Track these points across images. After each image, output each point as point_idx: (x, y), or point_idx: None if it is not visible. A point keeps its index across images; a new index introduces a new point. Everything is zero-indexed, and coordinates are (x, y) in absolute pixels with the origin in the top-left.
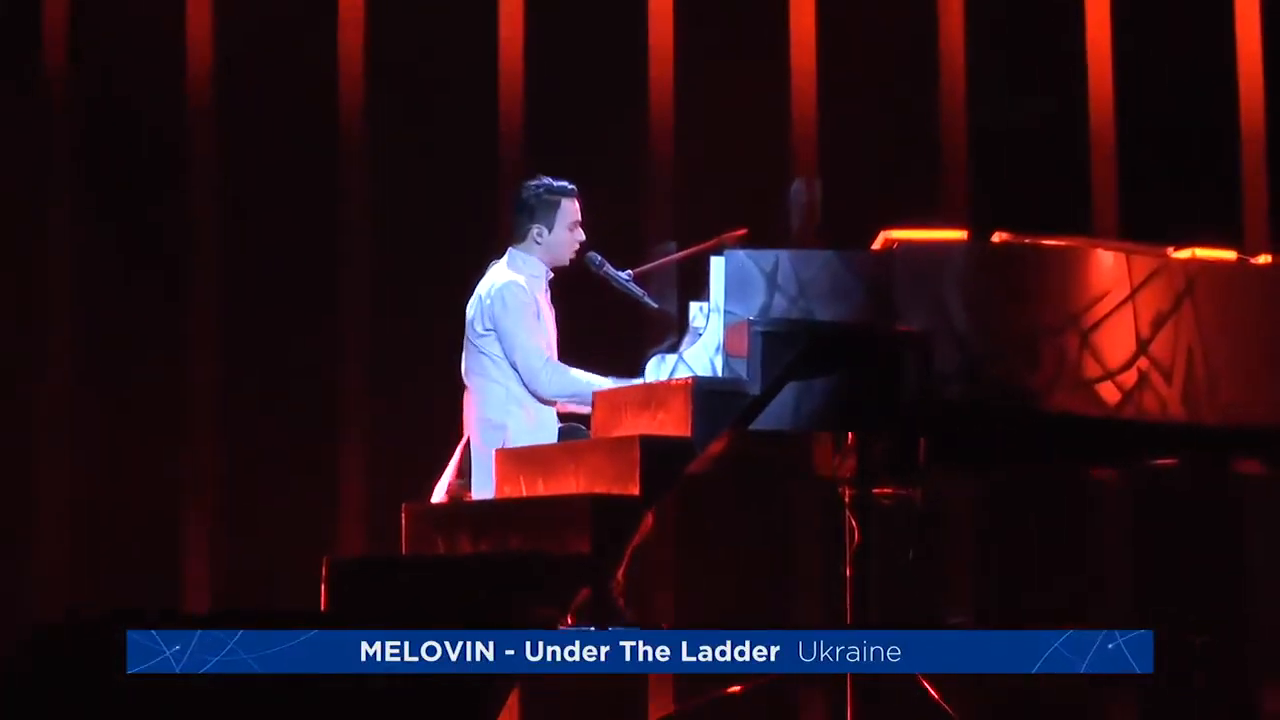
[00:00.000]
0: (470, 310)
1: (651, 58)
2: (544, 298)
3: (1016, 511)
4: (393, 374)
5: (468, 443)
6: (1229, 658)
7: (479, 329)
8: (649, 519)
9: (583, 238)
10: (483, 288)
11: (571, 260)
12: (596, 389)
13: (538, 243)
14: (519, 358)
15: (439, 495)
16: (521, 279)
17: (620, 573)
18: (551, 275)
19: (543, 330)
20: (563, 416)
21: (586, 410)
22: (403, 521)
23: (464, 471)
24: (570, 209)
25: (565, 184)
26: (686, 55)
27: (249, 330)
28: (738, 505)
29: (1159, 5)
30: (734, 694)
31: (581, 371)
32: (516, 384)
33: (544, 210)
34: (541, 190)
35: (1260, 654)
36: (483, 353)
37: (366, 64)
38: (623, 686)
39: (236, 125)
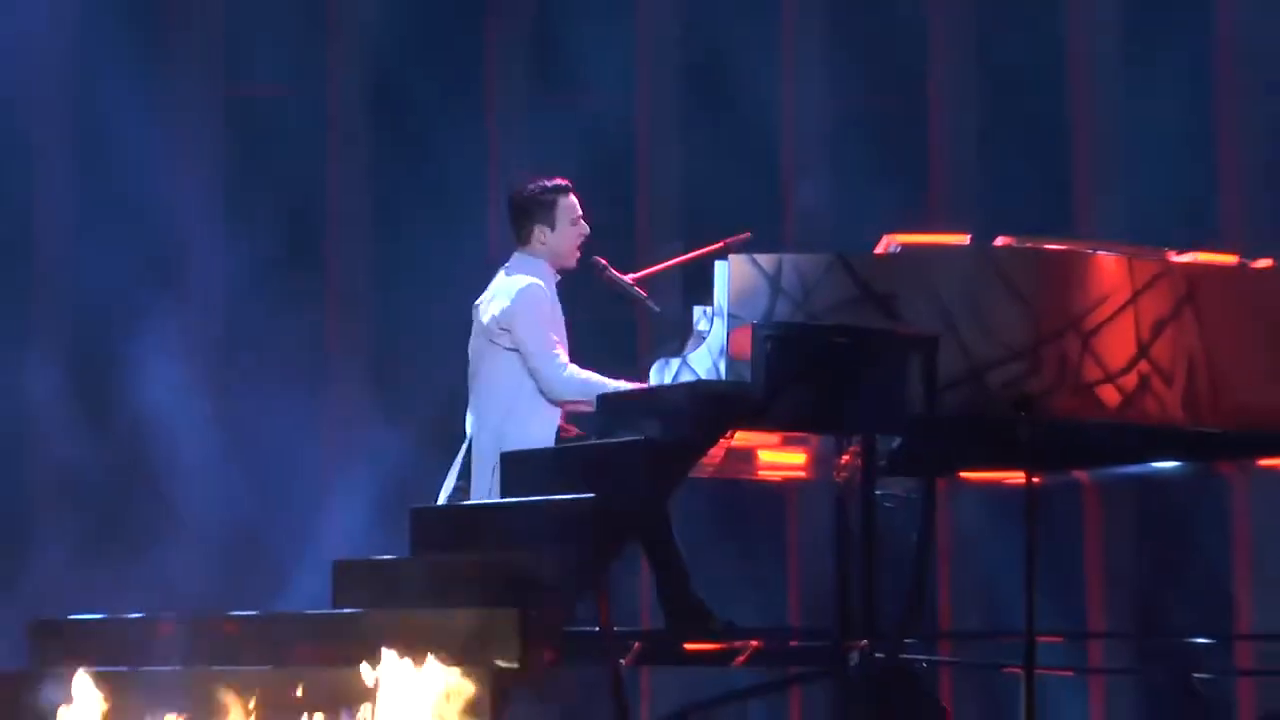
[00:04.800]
0: (484, 311)
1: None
2: (555, 303)
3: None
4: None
5: (469, 444)
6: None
7: (496, 334)
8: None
9: (586, 230)
10: (500, 288)
11: (578, 257)
12: (606, 390)
13: (542, 244)
14: (537, 360)
15: (443, 497)
16: (541, 282)
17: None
18: (558, 278)
19: (560, 333)
20: (569, 417)
21: (590, 409)
22: (409, 525)
23: (465, 473)
24: (568, 204)
25: (558, 182)
26: (686, 58)
27: None
28: (740, 505)
29: None
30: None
31: (592, 373)
32: (522, 387)
33: (543, 211)
34: (536, 191)
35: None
36: (497, 348)
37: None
38: None
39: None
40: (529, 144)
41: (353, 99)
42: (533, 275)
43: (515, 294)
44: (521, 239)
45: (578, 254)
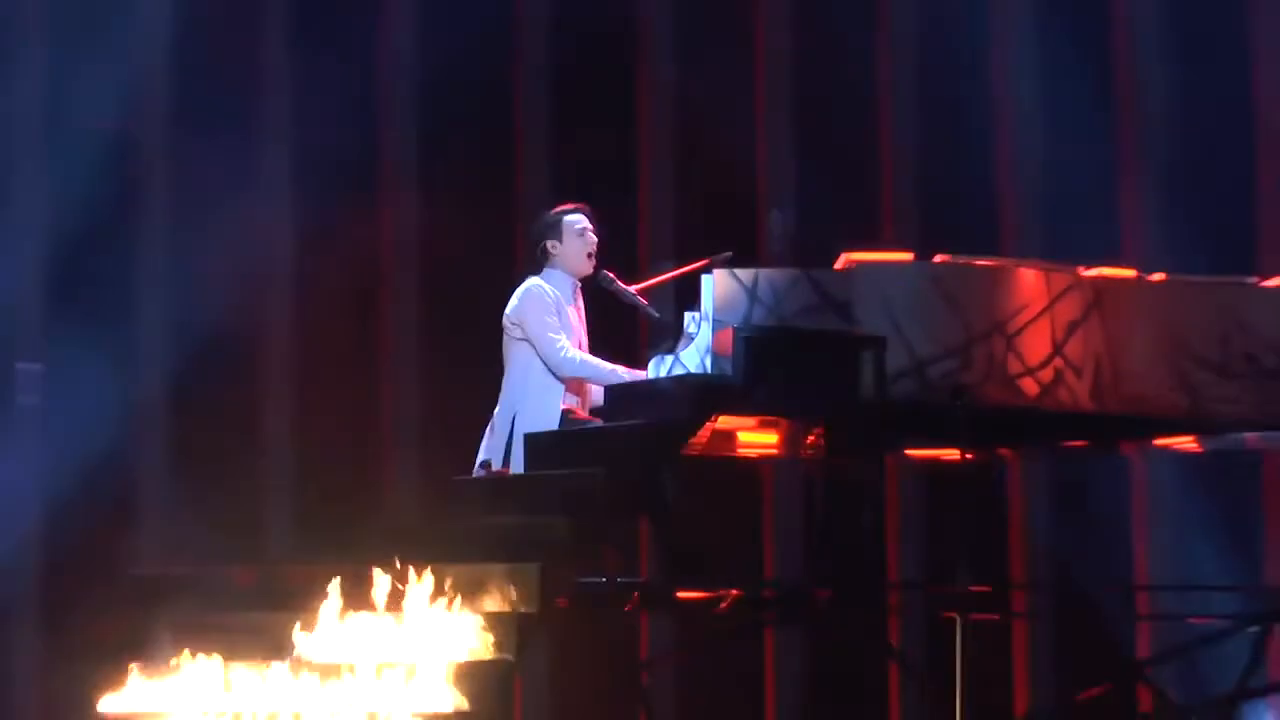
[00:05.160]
0: (506, 311)
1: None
2: (574, 307)
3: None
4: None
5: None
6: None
7: (510, 329)
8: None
9: (594, 240)
10: (516, 291)
11: (593, 266)
12: (605, 371)
13: (555, 254)
14: (539, 344)
15: (478, 469)
16: (545, 284)
17: None
18: (578, 285)
19: (564, 325)
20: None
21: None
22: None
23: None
24: (573, 220)
25: (566, 206)
26: (680, 114)
27: None
28: (723, 477)
29: None
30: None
31: (593, 357)
32: (532, 370)
33: (551, 229)
34: (546, 216)
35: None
36: (512, 340)
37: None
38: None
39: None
40: (549, 178)
41: (406, 140)
42: (540, 279)
43: (519, 294)
44: (540, 254)
45: (590, 261)
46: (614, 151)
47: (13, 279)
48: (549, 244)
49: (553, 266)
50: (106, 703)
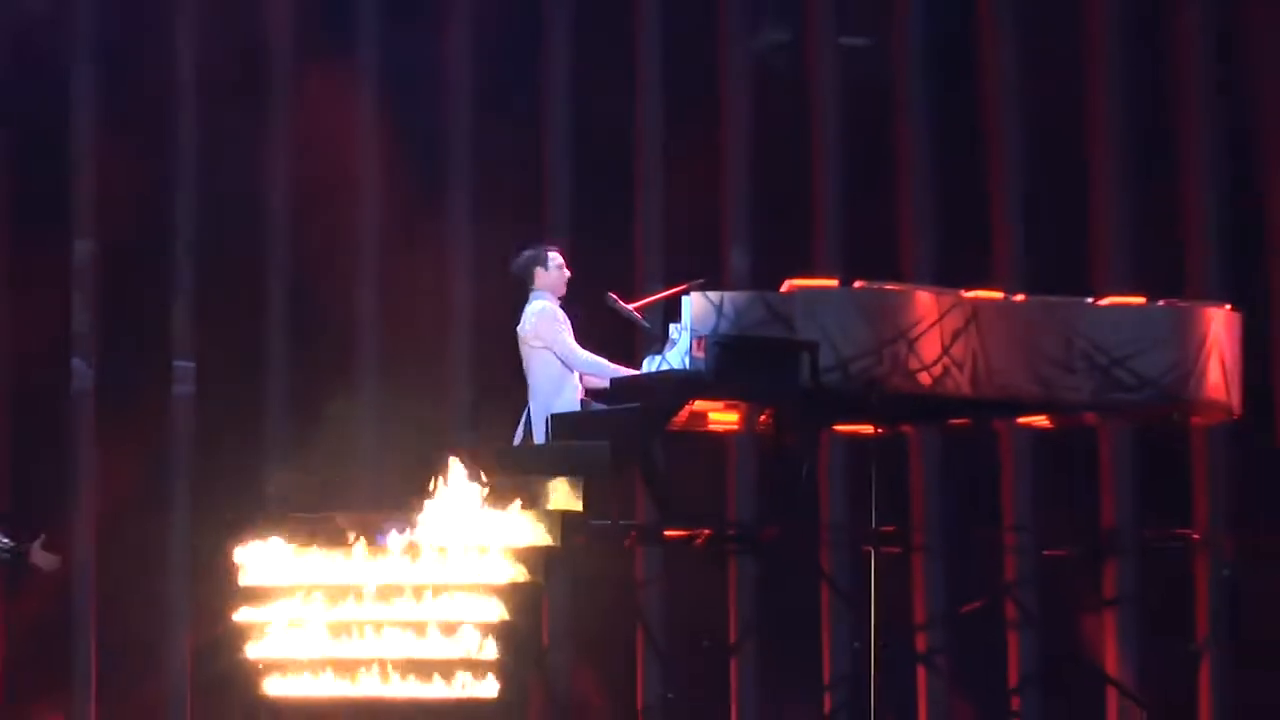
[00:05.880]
0: (522, 329)
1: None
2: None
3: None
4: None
5: (529, 409)
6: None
7: (532, 342)
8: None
9: (567, 272)
10: (527, 312)
11: (564, 290)
12: (610, 368)
13: (542, 278)
14: (560, 350)
15: (516, 441)
16: (550, 303)
17: None
18: (559, 302)
19: (568, 330)
20: (596, 394)
21: (604, 383)
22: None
23: (528, 426)
24: (552, 255)
25: (540, 246)
26: (668, 156)
27: None
28: (699, 445)
29: None
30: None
31: (601, 358)
32: (552, 371)
33: (538, 259)
34: (529, 252)
35: None
36: (533, 349)
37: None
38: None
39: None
40: (571, 224)
41: (462, 185)
42: (545, 300)
43: (535, 313)
44: (531, 279)
45: (564, 287)
46: (619, 205)
47: (170, 294)
48: (538, 270)
49: (542, 288)
50: (240, 616)
